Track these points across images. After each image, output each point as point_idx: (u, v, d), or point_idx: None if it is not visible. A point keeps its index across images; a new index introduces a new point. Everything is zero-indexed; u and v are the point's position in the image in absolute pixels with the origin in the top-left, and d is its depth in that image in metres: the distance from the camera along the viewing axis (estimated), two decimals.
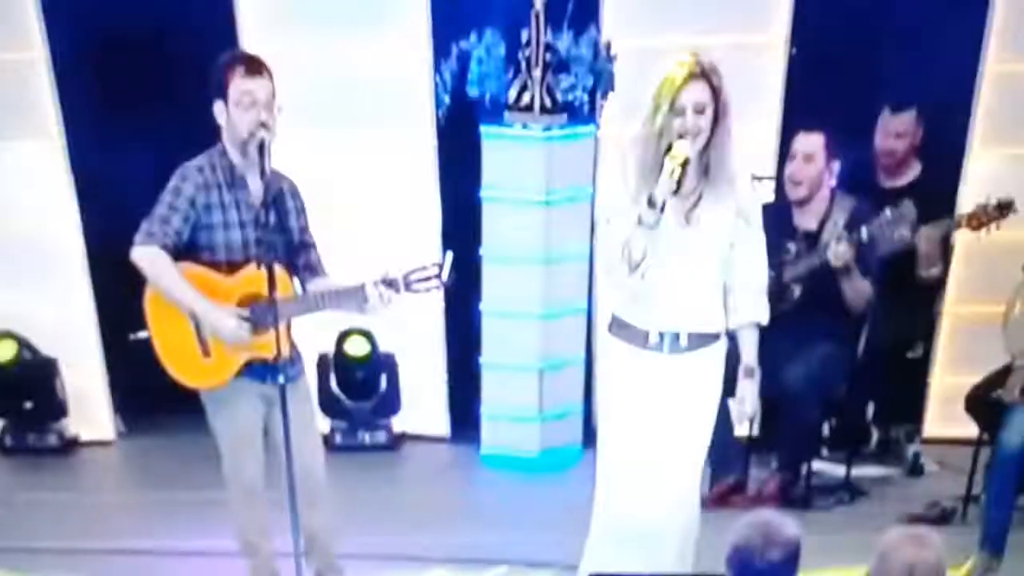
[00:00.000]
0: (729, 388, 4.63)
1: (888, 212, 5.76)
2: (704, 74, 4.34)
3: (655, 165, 4.35)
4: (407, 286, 4.43)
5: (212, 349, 4.54)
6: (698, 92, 4.34)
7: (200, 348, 4.55)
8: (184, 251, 4.56)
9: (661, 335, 4.43)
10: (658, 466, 4.46)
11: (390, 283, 4.41)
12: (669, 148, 4.35)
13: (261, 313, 4.49)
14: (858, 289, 5.85)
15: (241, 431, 4.60)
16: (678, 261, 4.39)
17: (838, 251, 5.68)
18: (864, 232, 5.74)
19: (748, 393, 4.54)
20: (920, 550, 3.32)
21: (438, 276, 4.42)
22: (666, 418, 4.46)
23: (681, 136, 4.34)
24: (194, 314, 4.51)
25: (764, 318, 4.55)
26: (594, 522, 4.59)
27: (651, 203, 4.31)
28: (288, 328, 4.56)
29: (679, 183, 4.30)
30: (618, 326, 4.52)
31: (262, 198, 4.51)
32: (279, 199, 4.54)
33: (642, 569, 4.37)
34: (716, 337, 4.51)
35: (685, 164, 4.30)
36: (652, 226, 4.31)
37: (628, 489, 4.48)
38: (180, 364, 4.58)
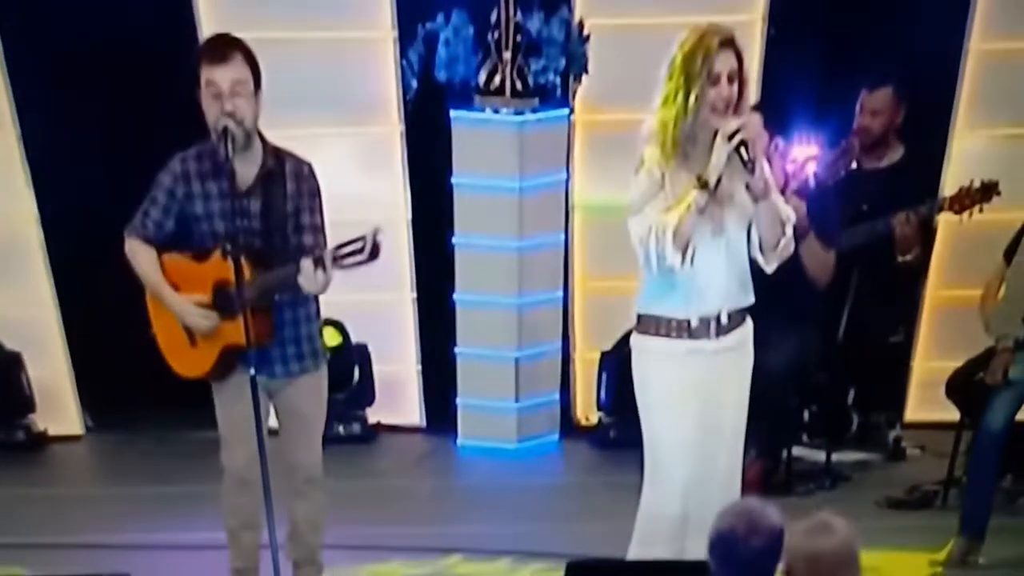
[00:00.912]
0: None
1: (830, 151, 5.74)
2: (732, 42, 4.26)
3: (690, 142, 4.24)
4: (335, 261, 4.38)
5: (197, 338, 4.58)
6: (731, 60, 4.24)
7: (187, 338, 4.59)
8: (176, 240, 4.61)
9: (705, 320, 4.34)
10: (713, 458, 4.38)
11: (318, 260, 4.36)
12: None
13: (224, 299, 4.49)
14: (817, 255, 5.81)
15: (231, 419, 4.61)
16: (714, 241, 4.31)
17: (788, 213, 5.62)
18: (811, 178, 5.71)
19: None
20: (820, 538, 3.22)
21: (362, 251, 4.34)
22: (716, 403, 4.38)
23: (715, 108, 4.22)
24: (167, 307, 4.56)
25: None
26: (641, 514, 4.47)
27: (703, 184, 4.20)
28: (265, 315, 4.50)
29: (749, 159, 4.18)
30: (651, 322, 4.38)
31: (248, 186, 4.50)
32: (271, 182, 4.52)
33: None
34: (748, 310, 4.44)
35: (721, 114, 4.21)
36: (703, 208, 4.21)
37: (684, 488, 4.37)
38: (173, 354, 4.64)
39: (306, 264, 4.34)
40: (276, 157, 4.55)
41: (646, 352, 4.42)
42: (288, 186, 4.53)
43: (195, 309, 4.51)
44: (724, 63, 4.22)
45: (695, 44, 4.22)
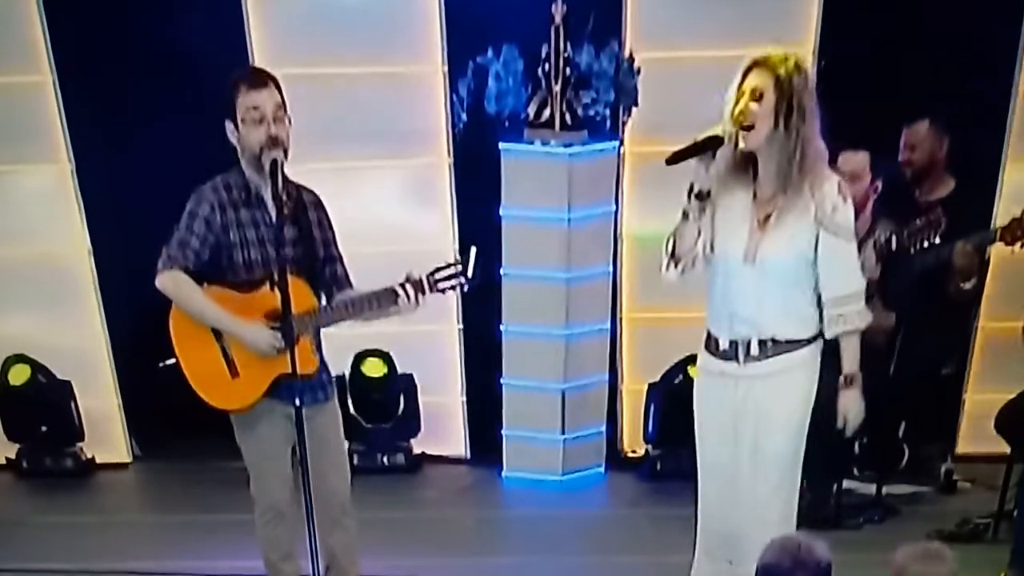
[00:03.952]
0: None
1: (917, 222, 5.68)
2: (766, 63, 4.30)
3: (751, 162, 4.36)
4: (432, 285, 4.41)
5: (240, 369, 4.53)
6: (755, 78, 4.29)
7: (228, 369, 4.53)
8: (208, 271, 4.55)
9: (734, 343, 4.40)
10: (743, 482, 4.42)
11: (416, 284, 4.39)
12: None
13: (289, 326, 4.46)
14: (877, 323, 5.78)
15: (266, 451, 4.61)
16: (746, 267, 4.35)
17: (867, 266, 5.56)
18: (894, 242, 5.65)
19: (849, 402, 4.51)
20: (932, 565, 3.33)
21: (462, 273, 4.39)
22: (746, 427, 4.41)
23: (736, 123, 4.29)
24: (230, 333, 4.49)
25: (860, 324, 4.47)
26: (698, 538, 4.54)
27: (688, 192, 4.32)
28: (315, 345, 4.54)
29: (709, 142, 4.26)
30: (705, 340, 4.50)
31: (280, 214, 4.51)
32: (300, 213, 4.54)
33: None
34: (798, 344, 4.42)
35: (738, 128, 4.26)
36: (696, 218, 4.32)
37: (718, 507, 4.46)
38: (209, 388, 4.56)
39: (406, 289, 4.36)
40: (295, 186, 4.58)
41: (698, 366, 4.56)
42: (311, 214, 4.56)
43: (267, 332, 4.43)
44: (748, 83, 4.30)
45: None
